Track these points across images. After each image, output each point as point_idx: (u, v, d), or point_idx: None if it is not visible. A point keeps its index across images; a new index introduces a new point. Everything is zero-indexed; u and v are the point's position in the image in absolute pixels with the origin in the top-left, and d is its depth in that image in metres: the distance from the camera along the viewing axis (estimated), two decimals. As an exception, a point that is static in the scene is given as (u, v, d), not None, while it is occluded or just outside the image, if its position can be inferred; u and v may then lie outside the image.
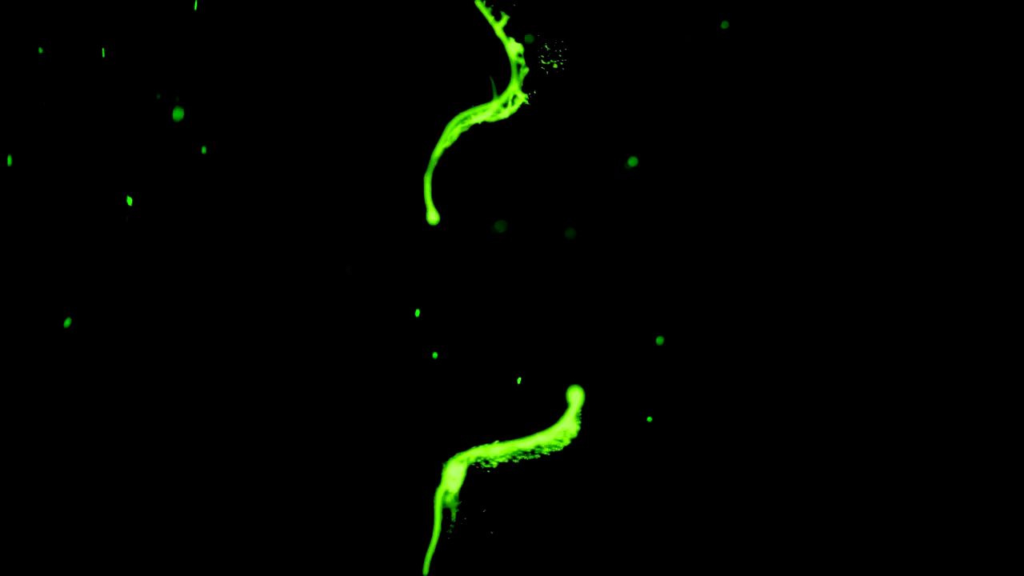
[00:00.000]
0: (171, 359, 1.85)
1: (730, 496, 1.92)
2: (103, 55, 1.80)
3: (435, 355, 1.88)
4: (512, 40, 1.86)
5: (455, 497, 1.86)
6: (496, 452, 1.87)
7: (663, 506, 1.92)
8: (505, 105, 1.87)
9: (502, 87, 1.87)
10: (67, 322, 1.76)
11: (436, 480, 1.86)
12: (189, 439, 1.85)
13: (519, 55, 1.86)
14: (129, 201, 1.80)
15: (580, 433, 1.89)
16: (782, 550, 1.92)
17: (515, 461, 1.87)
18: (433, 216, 1.85)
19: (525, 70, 1.86)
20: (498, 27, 1.86)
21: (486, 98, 1.87)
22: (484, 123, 1.87)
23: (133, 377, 1.84)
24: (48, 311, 1.81)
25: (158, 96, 1.82)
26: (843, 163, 1.92)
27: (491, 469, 1.87)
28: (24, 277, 1.80)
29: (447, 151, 1.87)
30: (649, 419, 1.92)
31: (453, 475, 1.86)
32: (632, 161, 1.87)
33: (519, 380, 1.89)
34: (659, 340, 1.91)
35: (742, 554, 1.92)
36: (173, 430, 1.85)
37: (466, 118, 1.87)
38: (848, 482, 1.92)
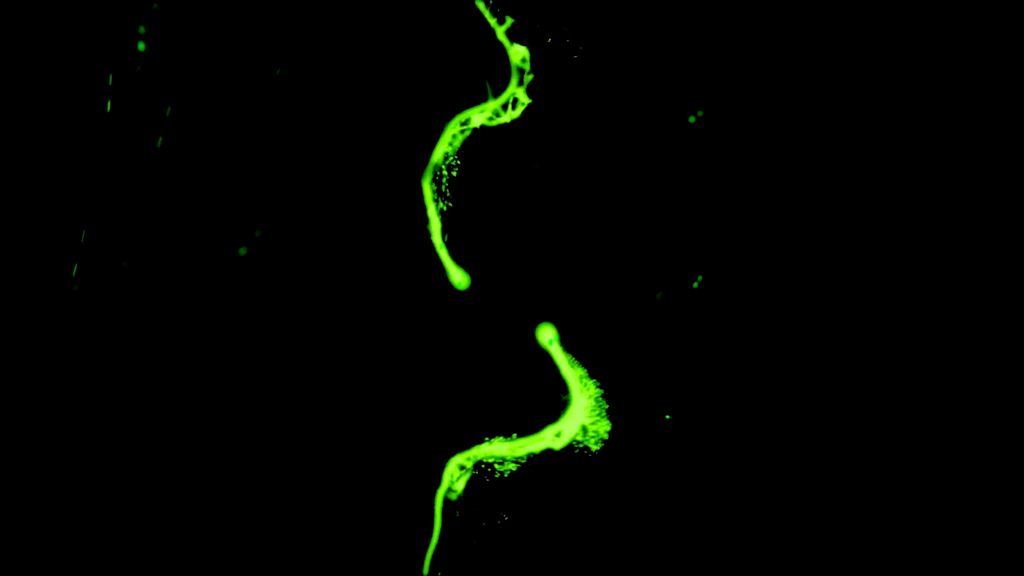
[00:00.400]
0: (168, 357, 1.87)
1: (745, 497, 1.86)
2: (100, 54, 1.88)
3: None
4: (516, 45, 1.87)
5: (457, 496, 1.83)
6: (500, 450, 1.84)
7: (673, 509, 1.86)
8: (505, 107, 1.88)
9: (502, 90, 1.88)
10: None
11: (437, 480, 1.83)
12: (187, 439, 1.86)
13: (522, 60, 1.87)
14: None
15: (590, 428, 1.85)
16: (798, 557, 1.85)
17: (519, 460, 1.84)
18: (460, 279, 1.86)
19: (530, 76, 1.87)
20: (500, 31, 1.87)
21: (487, 101, 1.88)
22: (483, 126, 1.88)
23: (132, 373, 1.86)
24: (46, 311, 1.86)
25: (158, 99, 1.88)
26: (841, 158, 1.87)
27: (494, 468, 1.84)
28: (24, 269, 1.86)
29: (446, 154, 1.88)
30: (668, 416, 1.87)
31: (455, 474, 1.83)
32: (692, 118, 1.84)
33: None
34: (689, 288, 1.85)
35: (749, 555, 1.86)
36: (169, 428, 1.86)
37: (466, 120, 1.88)
38: (851, 481, 1.86)
